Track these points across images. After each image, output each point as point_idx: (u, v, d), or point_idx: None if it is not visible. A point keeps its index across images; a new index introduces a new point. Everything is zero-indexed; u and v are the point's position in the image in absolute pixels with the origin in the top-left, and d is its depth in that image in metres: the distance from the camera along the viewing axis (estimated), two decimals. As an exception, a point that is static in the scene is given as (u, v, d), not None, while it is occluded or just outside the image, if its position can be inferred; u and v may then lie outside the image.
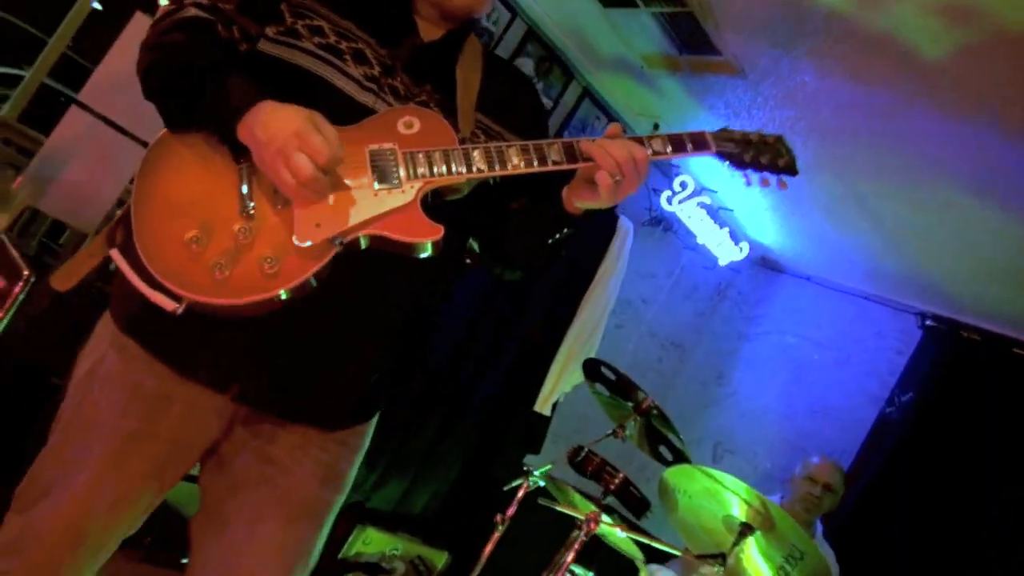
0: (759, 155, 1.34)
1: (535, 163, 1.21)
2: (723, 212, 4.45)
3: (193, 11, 1.21)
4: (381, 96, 1.24)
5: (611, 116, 4.06)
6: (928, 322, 4.12)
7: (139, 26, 2.97)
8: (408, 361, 1.38)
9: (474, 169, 1.19)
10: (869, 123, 2.85)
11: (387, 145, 1.17)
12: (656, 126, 3.94)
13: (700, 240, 4.43)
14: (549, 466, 2.82)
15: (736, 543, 2.43)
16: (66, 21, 3.09)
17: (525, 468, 2.81)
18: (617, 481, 2.64)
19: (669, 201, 4.22)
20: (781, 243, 4.55)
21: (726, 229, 4.49)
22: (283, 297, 1.10)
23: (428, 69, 1.30)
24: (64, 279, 1.23)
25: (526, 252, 1.40)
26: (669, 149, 1.27)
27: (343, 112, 1.19)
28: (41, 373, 2.58)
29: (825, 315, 4.61)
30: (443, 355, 3.57)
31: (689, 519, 2.59)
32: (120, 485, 1.19)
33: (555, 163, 1.22)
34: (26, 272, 2.31)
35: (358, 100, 1.22)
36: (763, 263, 4.96)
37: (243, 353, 1.18)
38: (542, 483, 2.82)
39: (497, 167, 1.19)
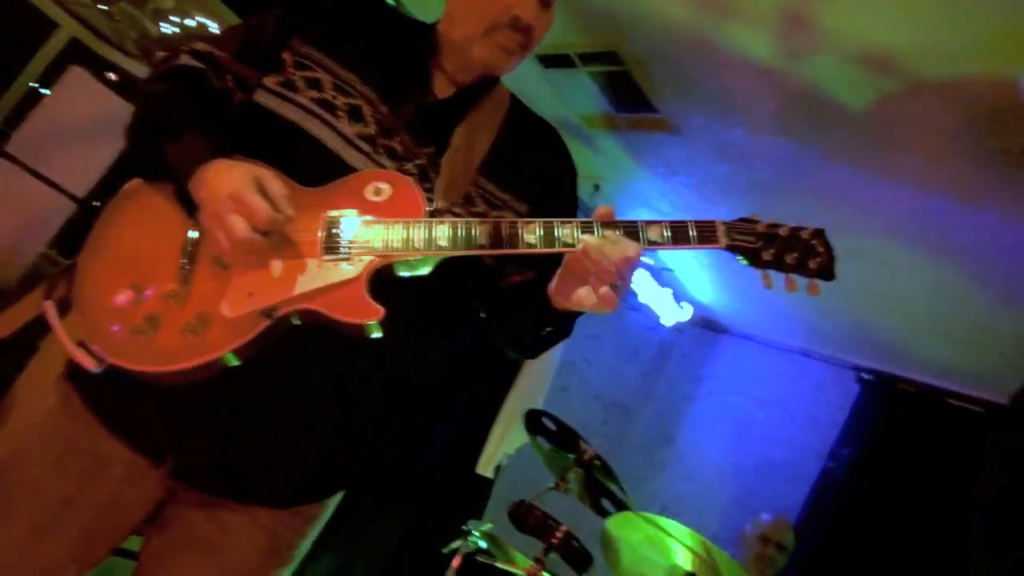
0: (784, 252, 1.14)
1: (505, 245, 1.06)
2: (664, 272, 4.52)
3: (184, 59, 1.18)
4: (373, 157, 1.16)
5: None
6: (865, 376, 4.19)
7: (73, 78, 2.94)
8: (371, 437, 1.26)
9: (434, 246, 1.06)
10: (802, 177, 2.95)
11: (347, 211, 1.08)
12: (597, 187, 4.01)
13: (642, 299, 4.47)
14: (489, 525, 2.72)
15: (683, 595, 2.37)
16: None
17: (464, 529, 2.70)
18: (559, 535, 2.55)
19: (611, 260, 4.26)
20: (721, 303, 4.62)
21: (668, 289, 4.55)
22: (229, 363, 1.01)
23: (434, 129, 1.21)
24: (2, 327, 1.15)
25: (518, 339, 1.28)
26: (668, 236, 1.09)
27: (329, 171, 1.12)
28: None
29: (768, 373, 4.66)
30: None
31: (633, 571, 2.51)
32: (43, 554, 1.08)
33: (529, 246, 1.07)
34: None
35: (345, 160, 1.14)
36: (706, 324, 5.01)
37: (174, 424, 1.08)
38: (484, 544, 2.71)
39: (462, 246, 1.06)
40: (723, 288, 4.42)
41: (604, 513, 2.78)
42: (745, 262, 1.14)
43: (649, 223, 1.08)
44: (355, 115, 1.17)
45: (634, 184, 3.77)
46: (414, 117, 1.20)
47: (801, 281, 1.16)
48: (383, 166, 1.16)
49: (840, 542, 3.79)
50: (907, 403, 3.95)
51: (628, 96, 3.06)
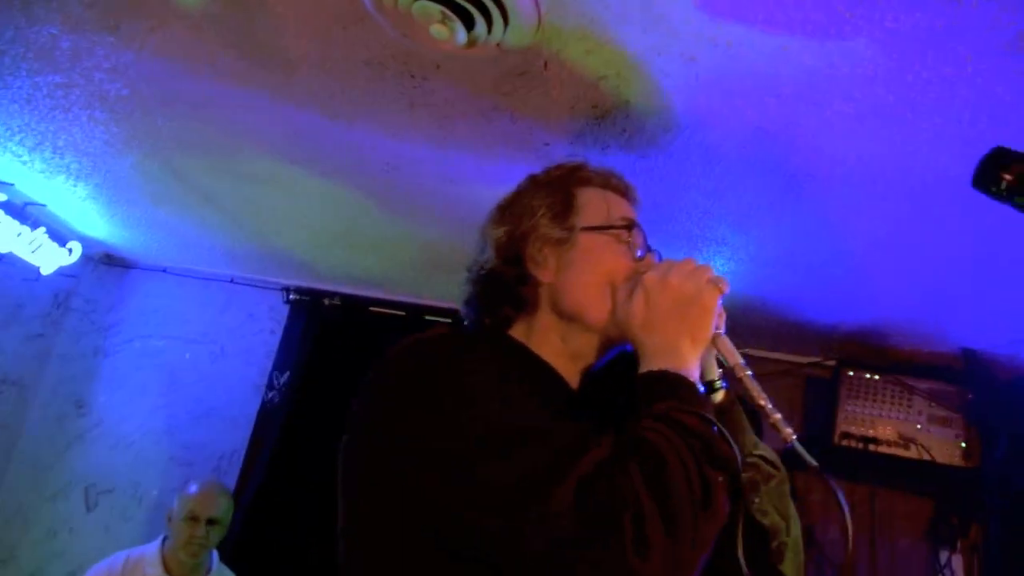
0: None
1: None
2: (33, 208, 3.53)
3: None
4: None
5: None
6: (292, 296, 3.97)
7: None
8: None
9: None
10: (156, 87, 2.36)
11: None
12: None
13: (5, 249, 3.45)
14: None
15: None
16: None
17: None
18: None
19: (-61, 203, 3.12)
20: (119, 235, 3.85)
21: (42, 229, 3.59)
22: None
23: None
24: None
25: None
26: None
27: None
28: None
29: (191, 307, 4.12)
30: None
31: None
32: None
33: None
34: None
35: None
36: (109, 260, 4.18)
37: None
38: None
39: None
40: (115, 218, 3.65)
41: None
42: None
43: None
44: None
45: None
46: None
47: None
48: None
49: (285, 472, 3.60)
50: (335, 317, 3.86)
51: None
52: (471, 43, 1.74)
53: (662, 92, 1.87)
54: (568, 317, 1.25)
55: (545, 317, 1.28)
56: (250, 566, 3.27)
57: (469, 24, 1.68)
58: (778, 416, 1.11)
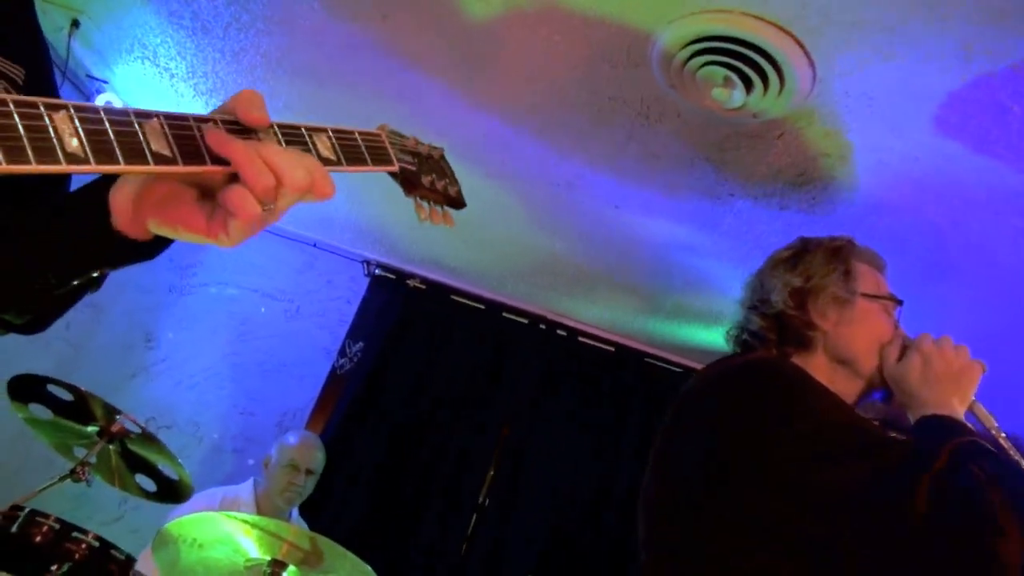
0: (435, 178, 1.01)
1: (120, 156, 0.60)
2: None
3: None
4: None
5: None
6: (376, 271, 4.13)
7: None
8: None
9: None
10: (368, 70, 2.53)
11: None
12: (76, 23, 2.88)
13: (128, 176, 3.52)
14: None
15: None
16: None
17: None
18: (84, 548, 1.85)
19: (89, 124, 3.19)
20: (225, 183, 3.94)
21: (159, 163, 3.67)
22: None
23: None
24: None
25: (24, 294, 0.81)
26: (341, 159, 0.81)
27: None
28: None
29: (271, 264, 4.23)
30: None
31: (198, 573, 1.99)
32: None
33: (160, 160, 0.63)
34: None
35: None
36: (196, 202, 4.26)
37: None
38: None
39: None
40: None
41: (145, 493, 2.13)
42: (402, 189, 0.99)
43: (315, 129, 0.79)
44: None
45: (132, 22, 2.79)
46: None
47: (439, 210, 1.06)
48: None
49: (350, 436, 3.75)
50: (417, 299, 4.04)
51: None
52: (737, 108, 1.99)
53: (869, 177, 2.16)
54: (841, 362, 1.51)
55: (819, 359, 1.53)
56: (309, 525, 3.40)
57: (748, 91, 1.93)
58: (1029, 469, 1.40)
